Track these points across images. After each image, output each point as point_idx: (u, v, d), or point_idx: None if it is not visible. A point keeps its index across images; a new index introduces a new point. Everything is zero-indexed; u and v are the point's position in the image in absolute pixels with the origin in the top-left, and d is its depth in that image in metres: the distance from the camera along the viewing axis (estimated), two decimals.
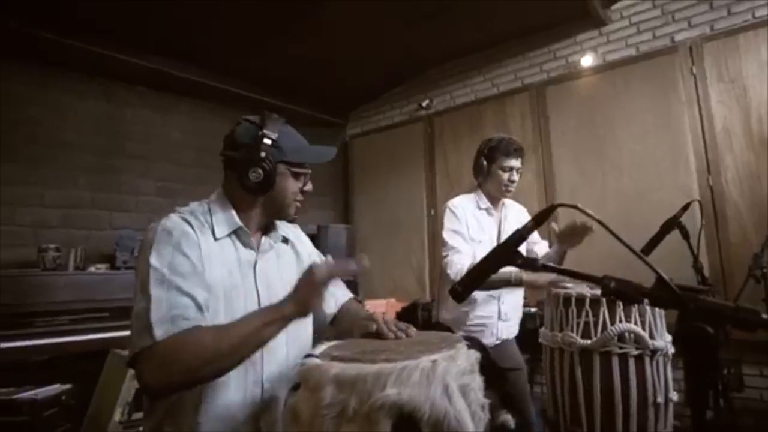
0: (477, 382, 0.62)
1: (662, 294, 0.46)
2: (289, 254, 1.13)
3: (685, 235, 1.40)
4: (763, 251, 2.15)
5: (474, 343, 0.66)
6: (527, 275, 1.55)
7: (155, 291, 0.82)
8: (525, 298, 1.97)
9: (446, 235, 1.72)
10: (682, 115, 2.80)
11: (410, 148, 4.22)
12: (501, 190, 1.77)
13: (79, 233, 3.12)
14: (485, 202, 1.80)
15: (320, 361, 0.62)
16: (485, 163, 1.78)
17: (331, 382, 0.57)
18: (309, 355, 0.68)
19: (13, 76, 2.92)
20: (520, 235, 0.57)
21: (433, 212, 4.05)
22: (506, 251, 0.56)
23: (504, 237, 1.78)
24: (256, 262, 1.01)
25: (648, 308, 1.23)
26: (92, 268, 2.88)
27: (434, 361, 0.57)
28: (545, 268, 0.56)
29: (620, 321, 1.20)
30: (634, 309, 1.21)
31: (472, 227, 1.73)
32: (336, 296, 1.24)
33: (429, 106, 4.11)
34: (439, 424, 0.53)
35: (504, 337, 1.80)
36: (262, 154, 0.94)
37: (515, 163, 1.73)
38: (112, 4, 2.67)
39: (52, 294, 2.63)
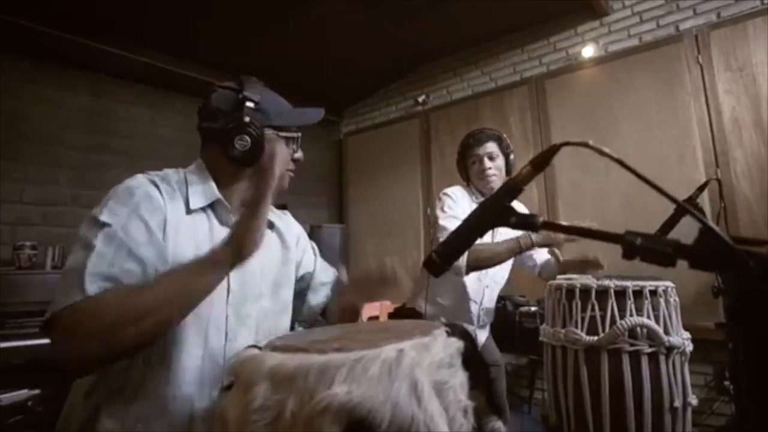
0: (458, 378, 0.48)
1: (708, 250, 0.33)
2: (273, 240, 1.00)
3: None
4: None
5: (456, 329, 0.52)
6: (537, 236, 1.42)
7: (101, 245, 0.70)
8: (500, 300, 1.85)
9: (443, 220, 1.59)
10: (688, 106, 2.67)
11: (406, 144, 4.09)
12: (481, 183, 1.68)
13: (58, 231, 2.99)
14: (477, 196, 1.71)
15: (257, 352, 0.49)
16: (460, 162, 1.76)
17: (265, 377, 0.43)
18: (252, 347, 0.55)
19: None
20: (514, 185, 0.44)
21: (429, 210, 3.92)
22: (497, 206, 0.43)
23: (499, 237, 1.68)
24: None
25: (662, 300, 1.09)
26: None
27: (400, 351, 0.44)
28: (546, 226, 0.43)
29: (631, 315, 1.06)
30: (647, 301, 1.08)
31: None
32: (325, 283, 1.12)
33: (425, 101, 4.00)
34: None
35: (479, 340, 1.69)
36: (246, 119, 0.84)
37: (480, 150, 1.63)
38: None
39: (26, 294, 2.49)
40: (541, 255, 1.77)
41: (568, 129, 3.14)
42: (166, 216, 0.80)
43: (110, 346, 0.65)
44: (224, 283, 0.87)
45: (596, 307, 1.11)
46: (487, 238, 1.65)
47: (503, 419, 1.59)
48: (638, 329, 1.05)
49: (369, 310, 3.79)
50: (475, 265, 1.50)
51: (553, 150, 0.43)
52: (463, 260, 1.48)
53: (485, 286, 1.65)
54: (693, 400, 1.07)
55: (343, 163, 4.64)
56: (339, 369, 0.41)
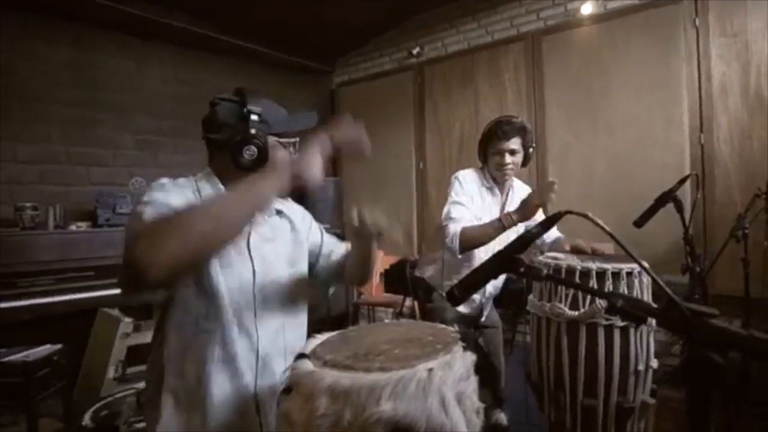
0: (472, 385, 0.61)
1: (672, 316, 0.44)
2: (284, 225, 1.12)
3: (680, 209, 1.39)
4: (747, 212, 2.17)
5: (469, 339, 0.64)
6: (516, 214, 1.55)
7: (144, 207, 0.83)
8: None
9: (449, 206, 1.69)
10: (680, 70, 2.71)
11: (399, 98, 4.07)
12: (497, 173, 1.74)
13: (56, 189, 3.01)
14: (489, 181, 1.78)
15: (313, 367, 0.61)
16: (482, 147, 1.78)
17: (325, 392, 0.56)
18: (301, 355, 0.67)
19: None
20: (524, 242, 0.54)
21: (422, 165, 3.99)
22: (508, 258, 0.54)
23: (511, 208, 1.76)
24: (249, 235, 1.00)
25: (636, 281, 1.24)
26: (73, 227, 2.80)
27: (430, 370, 0.56)
28: (549, 279, 0.54)
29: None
30: (623, 281, 1.23)
31: (476, 202, 1.71)
32: (334, 251, 1.21)
33: (419, 53, 3.92)
34: None
35: (479, 303, 1.84)
36: (252, 131, 0.92)
37: (505, 145, 1.67)
38: None
39: (33, 254, 2.57)
40: (550, 234, 1.89)
41: (562, 90, 3.17)
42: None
43: (183, 247, 0.69)
44: (250, 272, 0.98)
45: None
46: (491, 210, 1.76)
47: (498, 369, 1.81)
48: None
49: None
50: (468, 246, 1.62)
51: (559, 216, 0.53)
52: (456, 243, 1.61)
53: None
54: (654, 363, 1.26)
55: (335, 114, 4.60)
56: (384, 388, 0.54)
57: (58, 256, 2.65)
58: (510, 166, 1.66)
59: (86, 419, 1.84)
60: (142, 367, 1.23)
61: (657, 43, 2.78)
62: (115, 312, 2.52)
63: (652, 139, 2.82)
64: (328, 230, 1.26)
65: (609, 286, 1.23)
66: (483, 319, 1.86)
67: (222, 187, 0.98)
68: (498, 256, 0.56)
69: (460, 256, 1.63)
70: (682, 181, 1.46)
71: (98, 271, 2.75)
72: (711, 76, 2.62)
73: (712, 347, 0.41)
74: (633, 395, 1.23)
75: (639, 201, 2.84)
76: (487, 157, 1.73)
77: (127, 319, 2.44)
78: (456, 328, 0.71)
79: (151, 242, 0.67)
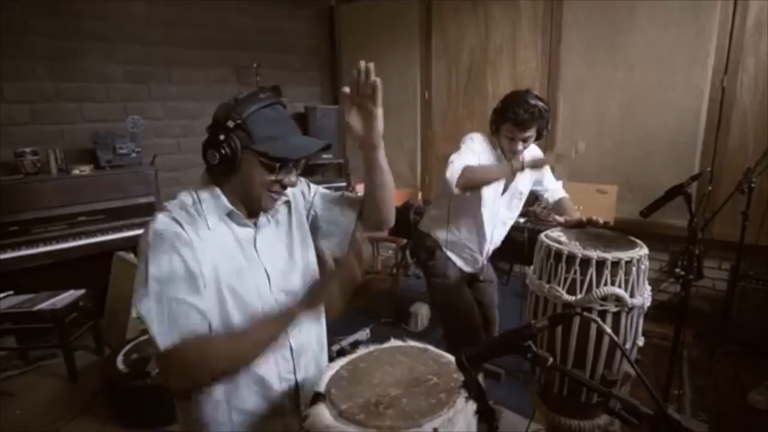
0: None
1: (662, 425, 0.49)
2: (284, 214, 1.07)
3: (688, 202, 1.38)
4: (756, 167, 2.14)
5: (471, 382, 0.69)
6: (528, 161, 1.54)
7: (152, 304, 0.83)
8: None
9: (462, 153, 1.60)
10: (714, 4, 2.47)
11: (405, 19, 3.76)
12: (507, 151, 1.66)
13: (51, 129, 2.94)
14: (498, 151, 1.70)
15: (330, 417, 0.68)
16: (495, 119, 1.65)
17: None
18: (317, 395, 0.74)
19: None
20: (531, 333, 0.57)
21: (427, 95, 3.83)
22: (517, 344, 0.57)
23: (511, 189, 1.73)
24: (255, 239, 0.99)
25: (634, 268, 1.29)
26: (76, 171, 2.79)
27: (435, 429, 0.63)
28: (555, 368, 0.58)
29: (605, 283, 1.27)
30: (621, 271, 1.27)
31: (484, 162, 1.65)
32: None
33: None
34: None
35: (481, 264, 1.90)
36: (221, 137, 0.88)
37: (520, 134, 1.57)
38: None
39: (39, 201, 2.60)
40: (554, 194, 1.88)
41: (581, 17, 2.92)
42: (194, 245, 0.88)
43: (210, 382, 0.88)
44: (264, 275, 0.99)
45: (578, 272, 1.30)
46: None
47: (494, 320, 1.94)
48: (609, 296, 1.26)
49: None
50: (468, 182, 1.55)
51: (570, 317, 0.55)
52: (453, 178, 1.53)
53: (494, 226, 1.79)
54: (640, 341, 1.36)
55: (335, 35, 4.28)
56: None
57: (65, 201, 2.68)
58: (521, 150, 1.61)
59: (119, 363, 2.03)
60: None
61: None
62: (130, 256, 2.63)
63: (672, 78, 2.67)
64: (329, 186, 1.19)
65: (607, 274, 1.27)
66: (481, 276, 1.94)
67: (221, 194, 0.94)
68: (507, 338, 0.59)
69: (456, 191, 1.56)
70: (694, 178, 1.43)
71: (108, 214, 2.81)
72: (747, 12, 2.40)
73: None
74: (618, 368, 1.35)
75: (650, 145, 2.81)
76: (500, 132, 1.64)
77: None
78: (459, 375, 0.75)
79: (182, 385, 0.84)
